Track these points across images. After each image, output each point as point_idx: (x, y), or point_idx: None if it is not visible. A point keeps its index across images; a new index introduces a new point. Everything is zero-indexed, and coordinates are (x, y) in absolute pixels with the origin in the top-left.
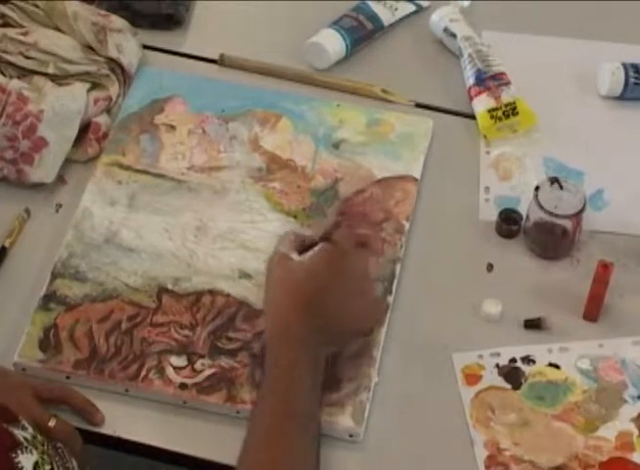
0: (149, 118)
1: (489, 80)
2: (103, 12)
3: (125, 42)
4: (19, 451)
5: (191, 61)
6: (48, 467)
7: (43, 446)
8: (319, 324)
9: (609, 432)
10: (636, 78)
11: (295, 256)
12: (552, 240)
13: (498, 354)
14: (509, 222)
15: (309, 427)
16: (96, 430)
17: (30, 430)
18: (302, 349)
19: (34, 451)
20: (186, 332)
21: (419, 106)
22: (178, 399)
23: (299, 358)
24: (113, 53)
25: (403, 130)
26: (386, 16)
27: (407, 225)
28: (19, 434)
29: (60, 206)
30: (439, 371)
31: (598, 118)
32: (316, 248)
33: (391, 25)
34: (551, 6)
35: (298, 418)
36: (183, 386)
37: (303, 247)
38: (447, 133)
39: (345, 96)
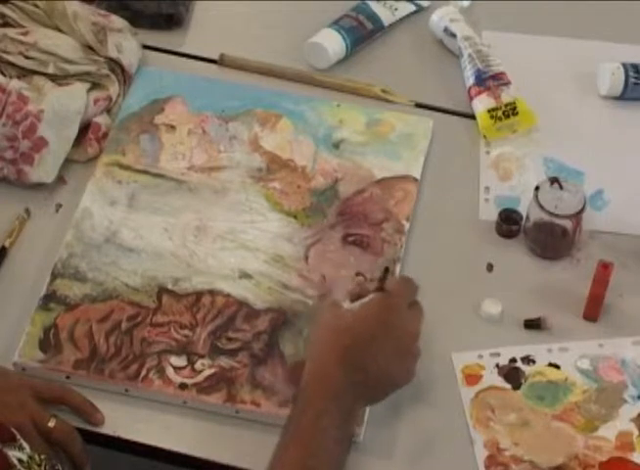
0: (149, 118)
1: (489, 80)
2: (103, 12)
3: (125, 42)
4: None
5: (191, 61)
6: None
7: (40, 466)
8: (357, 378)
9: (609, 432)
10: (636, 78)
11: (347, 303)
12: (552, 240)
13: (498, 354)
14: (509, 222)
15: None
16: (96, 430)
17: (28, 450)
18: (335, 400)
19: None
20: (186, 332)
21: (419, 106)
22: (178, 399)
23: (329, 410)
24: (113, 53)
25: (403, 130)
26: (386, 16)
27: (407, 225)
28: (13, 455)
29: (60, 206)
30: (439, 371)
31: (598, 118)
32: (369, 296)
33: (391, 25)
34: (551, 6)
35: None
36: (183, 386)
37: (358, 296)
38: (447, 133)
39: (345, 96)
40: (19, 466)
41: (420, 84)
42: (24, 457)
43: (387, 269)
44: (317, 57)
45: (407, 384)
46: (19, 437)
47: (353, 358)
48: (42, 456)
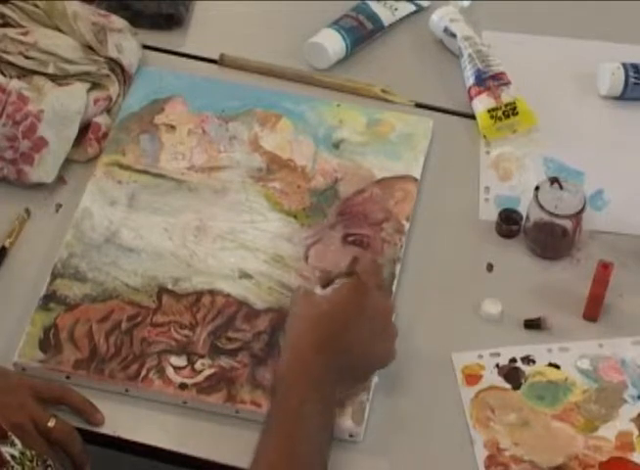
0: (149, 118)
1: (489, 80)
2: (103, 12)
3: (125, 42)
4: None
5: (191, 61)
6: None
7: (32, 462)
8: (338, 364)
9: (609, 432)
10: (636, 78)
11: (318, 290)
12: (552, 240)
13: (498, 354)
14: (509, 222)
15: (314, 468)
16: (96, 430)
17: (19, 446)
18: (316, 387)
19: None
20: (186, 332)
21: (419, 106)
22: (178, 399)
23: (311, 397)
24: (113, 53)
25: (403, 130)
26: (386, 16)
27: (407, 225)
28: (6, 451)
29: (60, 206)
30: (439, 371)
31: (598, 118)
32: (339, 281)
33: (391, 25)
34: (551, 6)
35: (302, 460)
36: (183, 386)
37: (328, 281)
38: (447, 133)
39: (345, 96)
40: (12, 462)
41: (420, 84)
42: (17, 453)
43: (355, 259)
44: (317, 57)
45: (387, 365)
46: (10, 433)
47: (333, 344)
48: (33, 452)
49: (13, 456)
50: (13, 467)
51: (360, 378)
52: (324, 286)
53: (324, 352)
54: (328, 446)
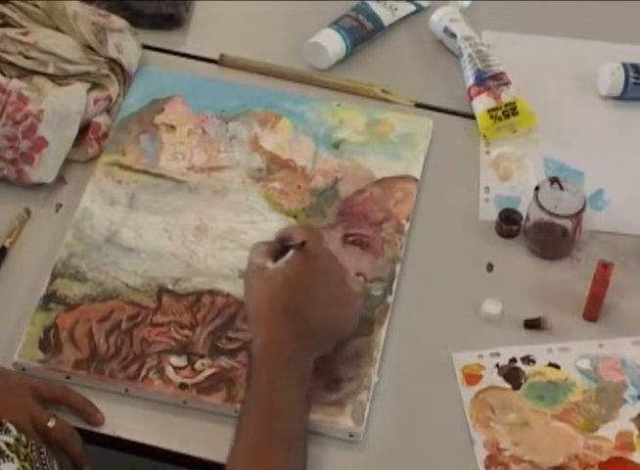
0: (149, 118)
1: (489, 80)
2: (103, 12)
3: (125, 42)
4: (0, 461)
5: (191, 61)
6: None
7: (26, 448)
8: (302, 331)
9: (609, 432)
10: (636, 78)
11: (270, 264)
12: (552, 240)
13: (498, 354)
14: (509, 222)
15: (294, 444)
16: (96, 430)
17: (14, 432)
18: (285, 360)
19: (16, 460)
20: (186, 332)
21: (419, 106)
22: (178, 400)
23: (283, 371)
24: (113, 53)
25: (403, 130)
26: (386, 16)
27: (407, 225)
28: (1, 440)
29: (60, 206)
30: (439, 371)
31: (598, 118)
32: (288, 255)
33: (391, 25)
34: (551, 6)
35: (283, 434)
36: (183, 386)
37: (277, 253)
38: (447, 133)
39: (345, 96)
40: (7, 451)
41: (420, 84)
42: (12, 440)
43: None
44: (317, 57)
45: (351, 330)
46: (4, 420)
47: (294, 313)
48: (27, 438)
49: (8, 444)
50: (8, 456)
51: (326, 346)
52: (275, 260)
53: (286, 323)
54: (306, 417)
